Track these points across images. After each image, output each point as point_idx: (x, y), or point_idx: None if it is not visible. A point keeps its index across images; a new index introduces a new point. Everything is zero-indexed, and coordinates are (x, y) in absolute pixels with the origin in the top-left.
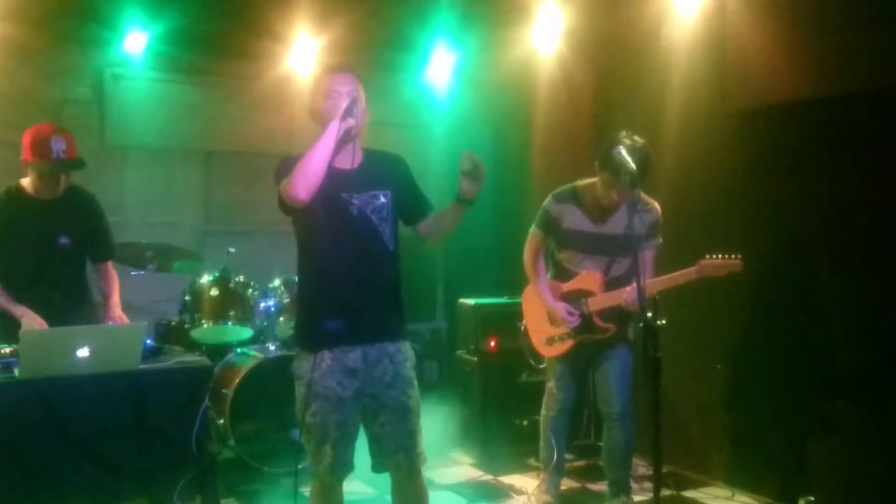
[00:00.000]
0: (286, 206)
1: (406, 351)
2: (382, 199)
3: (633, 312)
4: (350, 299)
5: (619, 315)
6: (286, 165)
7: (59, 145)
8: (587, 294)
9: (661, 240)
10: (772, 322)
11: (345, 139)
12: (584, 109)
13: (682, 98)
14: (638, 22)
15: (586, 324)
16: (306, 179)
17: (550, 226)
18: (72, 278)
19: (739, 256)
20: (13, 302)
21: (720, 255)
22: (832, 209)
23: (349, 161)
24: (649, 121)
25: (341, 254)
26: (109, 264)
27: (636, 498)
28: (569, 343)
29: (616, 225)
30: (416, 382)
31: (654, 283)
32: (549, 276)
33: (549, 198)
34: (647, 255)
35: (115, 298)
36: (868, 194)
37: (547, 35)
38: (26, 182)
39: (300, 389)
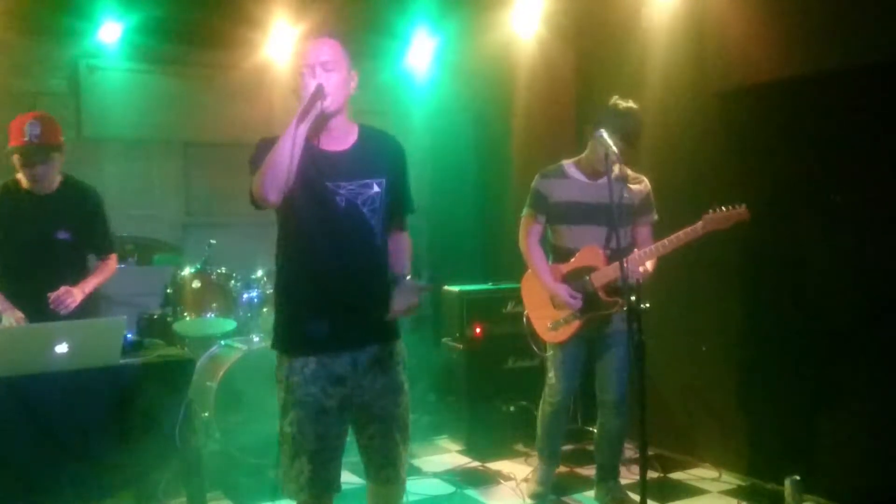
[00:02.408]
0: (256, 205)
1: (398, 353)
2: (376, 189)
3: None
4: (336, 301)
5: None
6: (261, 151)
7: (33, 129)
8: (589, 270)
9: (656, 216)
10: (755, 303)
11: (323, 120)
12: (564, 93)
13: (662, 80)
14: (618, 4)
15: (592, 301)
16: (274, 180)
17: (540, 203)
18: (72, 273)
19: (744, 205)
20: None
21: (724, 207)
22: (813, 188)
23: (339, 142)
24: None
25: (325, 251)
26: (112, 259)
27: (623, 481)
28: (575, 325)
29: (607, 193)
30: (406, 387)
31: (663, 245)
32: (549, 262)
33: (536, 176)
34: (644, 233)
35: (88, 281)
36: (847, 171)
37: (527, 19)
38: (21, 176)
39: (279, 394)
